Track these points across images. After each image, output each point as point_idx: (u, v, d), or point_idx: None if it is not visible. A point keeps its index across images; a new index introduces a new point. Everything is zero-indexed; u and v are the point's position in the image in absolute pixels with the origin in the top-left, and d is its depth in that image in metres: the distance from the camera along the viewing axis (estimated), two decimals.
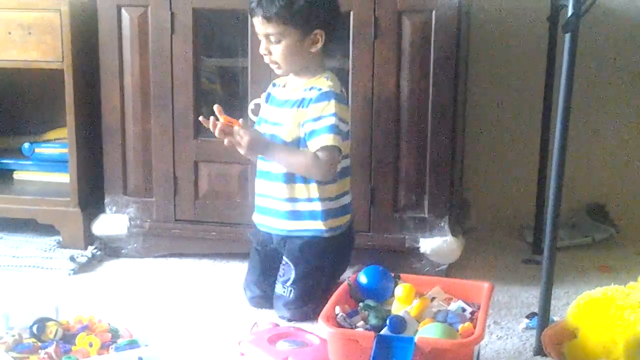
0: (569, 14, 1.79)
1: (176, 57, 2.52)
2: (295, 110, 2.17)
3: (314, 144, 2.12)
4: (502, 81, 2.97)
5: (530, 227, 2.79)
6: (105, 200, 2.65)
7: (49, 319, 1.96)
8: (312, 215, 2.19)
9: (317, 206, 2.18)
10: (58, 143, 2.94)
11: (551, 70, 2.63)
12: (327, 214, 2.19)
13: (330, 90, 2.14)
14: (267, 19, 2.11)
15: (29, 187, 2.89)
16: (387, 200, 2.47)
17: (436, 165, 2.42)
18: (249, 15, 2.23)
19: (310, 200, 2.18)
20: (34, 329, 1.93)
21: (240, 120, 2.13)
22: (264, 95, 2.32)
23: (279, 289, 2.21)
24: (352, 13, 2.39)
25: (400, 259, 2.44)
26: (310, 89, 2.16)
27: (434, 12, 2.35)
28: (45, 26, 2.59)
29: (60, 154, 2.88)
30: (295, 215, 2.20)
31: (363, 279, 1.95)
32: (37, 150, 2.97)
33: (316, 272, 2.20)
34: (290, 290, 2.19)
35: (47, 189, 2.84)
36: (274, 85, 2.30)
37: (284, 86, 2.25)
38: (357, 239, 2.41)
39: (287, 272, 2.20)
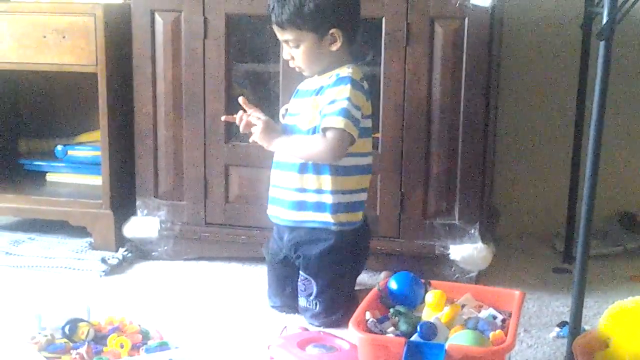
0: (604, 21, 1.78)
1: (208, 62, 2.54)
2: (314, 98, 2.16)
3: (322, 125, 2.09)
4: (535, 88, 2.95)
5: (561, 235, 2.78)
6: (137, 203, 2.67)
7: (81, 320, 1.97)
8: (319, 207, 2.15)
9: (327, 198, 2.14)
10: (91, 146, 2.97)
11: (584, 78, 2.61)
12: (336, 207, 2.14)
13: (348, 76, 2.11)
14: (281, 25, 2.11)
15: (61, 189, 2.92)
16: (417, 206, 2.47)
17: (467, 171, 2.42)
18: None
19: (320, 191, 2.15)
20: (66, 329, 1.95)
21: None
22: None
23: (303, 302, 2.20)
24: (384, 19, 2.40)
25: (430, 266, 2.44)
26: (330, 77, 2.15)
27: (466, 19, 2.34)
28: (79, 30, 2.62)
29: (93, 157, 2.91)
30: (303, 205, 2.17)
31: (393, 285, 1.95)
32: (70, 152, 3.01)
33: (337, 280, 2.19)
34: (316, 303, 2.18)
35: (80, 191, 2.88)
36: (303, 82, 2.30)
37: (308, 79, 2.24)
38: (387, 244, 2.42)
39: (308, 286, 2.19)
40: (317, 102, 2.15)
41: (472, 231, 2.44)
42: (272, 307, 2.28)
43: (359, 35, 2.22)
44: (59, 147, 3.02)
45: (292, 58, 2.17)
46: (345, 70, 2.13)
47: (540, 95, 2.95)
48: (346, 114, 2.07)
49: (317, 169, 2.14)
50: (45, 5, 2.73)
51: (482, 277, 2.47)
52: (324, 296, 2.17)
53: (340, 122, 2.06)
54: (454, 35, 2.37)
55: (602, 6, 1.82)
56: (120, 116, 2.71)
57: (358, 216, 2.20)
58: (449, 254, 2.44)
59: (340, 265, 2.19)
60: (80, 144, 3.03)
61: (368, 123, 2.19)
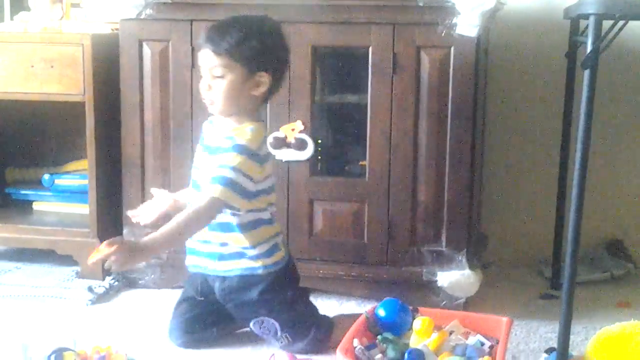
0: (588, 50, 1.81)
1: (196, 92, 2.54)
2: (213, 157, 2.13)
3: (204, 187, 2.08)
4: (521, 116, 2.97)
5: (548, 261, 2.79)
6: (124, 232, 2.66)
7: (67, 349, 1.96)
8: (244, 256, 2.15)
9: (249, 251, 2.14)
10: (78, 174, 2.97)
11: (569, 105, 2.64)
12: (258, 256, 2.15)
13: (244, 144, 2.07)
14: (217, 51, 2.07)
15: (48, 218, 2.92)
16: (404, 233, 2.47)
17: (454, 198, 2.43)
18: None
19: (240, 245, 2.15)
20: (52, 358, 1.94)
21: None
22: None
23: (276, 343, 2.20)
24: (370, 49, 2.42)
25: (417, 292, 2.44)
26: (227, 138, 2.11)
27: (452, 48, 2.36)
28: (67, 60, 2.63)
29: (80, 186, 2.91)
30: (229, 257, 2.16)
31: (381, 312, 1.95)
32: (57, 181, 3.00)
33: (292, 307, 2.17)
34: (286, 336, 2.16)
35: (66, 219, 2.87)
36: (210, 122, 2.25)
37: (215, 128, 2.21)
38: (374, 271, 2.46)
39: (270, 326, 2.17)
40: (214, 161, 2.12)
41: (460, 258, 2.44)
42: (180, 343, 2.21)
43: (278, 90, 2.20)
44: (46, 176, 3.01)
45: (210, 88, 2.12)
46: (244, 136, 2.09)
47: (526, 122, 2.97)
48: (226, 182, 2.03)
49: (232, 228, 2.13)
50: (33, 35, 2.73)
51: (470, 303, 2.47)
52: (289, 325, 2.15)
53: (216, 191, 2.02)
54: (440, 64, 2.38)
55: (586, 35, 1.85)
56: (107, 145, 2.72)
57: (281, 255, 2.20)
58: (436, 280, 2.44)
59: (286, 293, 2.18)
60: (67, 172, 3.03)
61: (268, 183, 2.17)
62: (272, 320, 2.15)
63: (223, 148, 2.09)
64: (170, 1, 2.50)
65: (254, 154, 2.09)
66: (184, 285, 2.34)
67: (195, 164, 2.23)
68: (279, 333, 2.15)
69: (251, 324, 2.16)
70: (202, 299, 2.25)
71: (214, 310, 2.24)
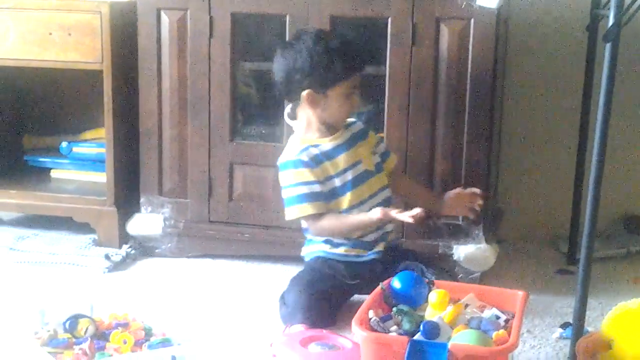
0: (610, 23, 1.78)
1: (214, 61, 2.54)
2: (364, 142, 2.30)
3: (395, 159, 2.38)
4: (540, 90, 2.95)
5: (565, 237, 2.77)
6: (141, 200, 2.67)
7: (82, 316, 1.97)
8: None
9: None
10: (95, 143, 2.97)
11: (589, 80, 2.61)
12: None
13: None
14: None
15: (66, 185, 2.93)
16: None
17: (471, 172, 2.42)
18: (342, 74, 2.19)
19: None
20: (67, 325, 1.95)
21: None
22: (305, 170, 2.23)
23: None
24: (389, 19, 2.40)
25: (433, 265, 2.44)
26: (353, 124, 2.33)
27: (472, 20, 2.34)
28: (85, 28, 2.62)
29: (98, 154, 2.91)
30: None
31: (397, 284, 1.95)
32: (74, 149, 3.01)
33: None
34: (430, 273, 2.20)
35: (84, 187, 2.88)
36: (305, 149, 2.24)
37: (330, 138, 2.26)
38: None
39: (417, 269, 2.21)
40: (368, 144, 2.31)
41: (476, 232, 2.44)
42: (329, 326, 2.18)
43: None
44: (64, 144, 3.02)
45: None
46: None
47: (545, 96, 2.95)
48: None
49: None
50: (51, 2, 2.72)
51: (486, 277, 2.47)
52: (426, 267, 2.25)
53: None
54: (459, 36, 2.37)
55: (608, 8, 1.83)
56: (125, 114, 2.72)
57: None
58: (452, 254, 2.44)
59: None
60: (85, 140, 3.03)
61: None
62: (419, 264, 2.23)
63: (363, 129, 2.33)
64: None
65: None
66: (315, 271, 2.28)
67: (346, 165, 2.25)
68: (425, 271, 2.20)
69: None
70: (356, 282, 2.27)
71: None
